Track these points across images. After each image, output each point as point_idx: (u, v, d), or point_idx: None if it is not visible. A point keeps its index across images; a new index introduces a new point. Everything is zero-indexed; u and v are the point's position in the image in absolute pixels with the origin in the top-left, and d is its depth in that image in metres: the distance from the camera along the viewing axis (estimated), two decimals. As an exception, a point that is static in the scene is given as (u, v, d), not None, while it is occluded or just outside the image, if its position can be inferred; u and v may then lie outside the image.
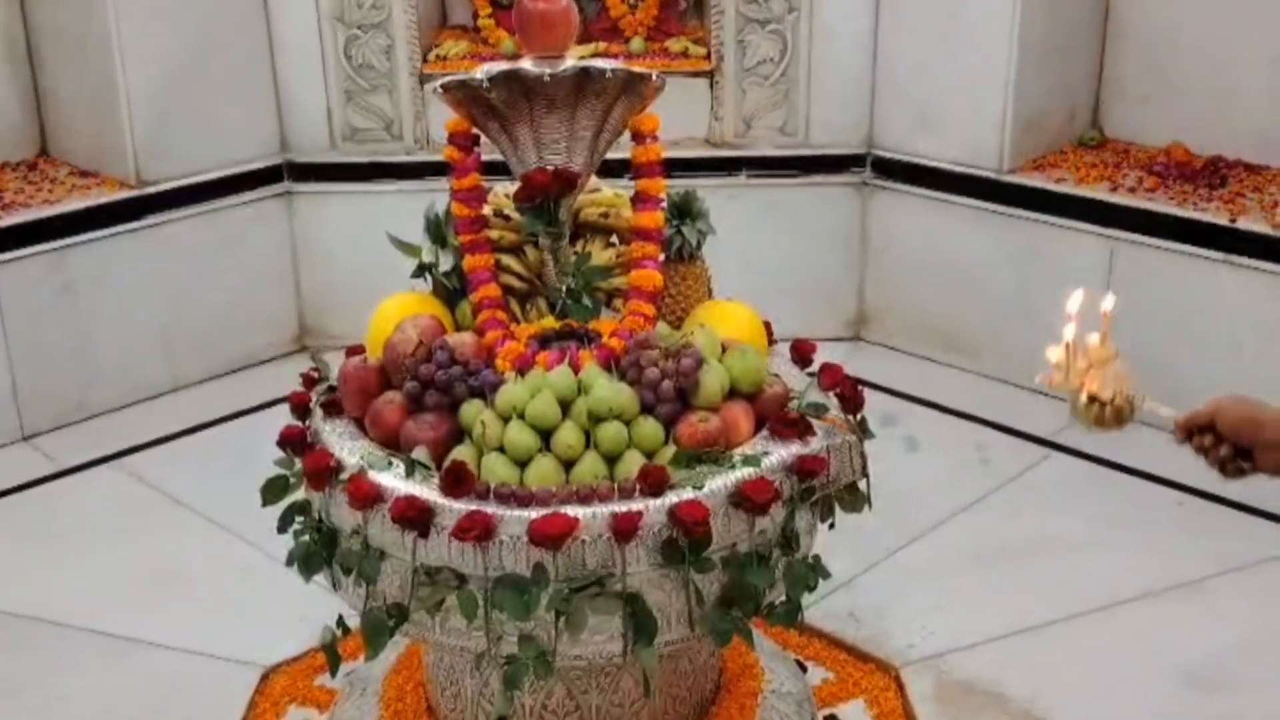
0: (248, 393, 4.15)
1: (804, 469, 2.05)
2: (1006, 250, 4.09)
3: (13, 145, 4.29)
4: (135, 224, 4.05)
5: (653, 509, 1.93)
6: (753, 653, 2.46)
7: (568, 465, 2.00)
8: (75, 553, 3.34)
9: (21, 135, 4.31)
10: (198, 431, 3.98)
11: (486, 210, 2.32)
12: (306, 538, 2.15)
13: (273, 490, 2.16)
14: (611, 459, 2.01)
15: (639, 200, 2.30)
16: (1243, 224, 3.63)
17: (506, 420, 2.00)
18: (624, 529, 1.90)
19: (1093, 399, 1.73)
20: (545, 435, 2.00)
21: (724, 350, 2.15)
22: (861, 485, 2.19)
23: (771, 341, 2.37)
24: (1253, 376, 3.67)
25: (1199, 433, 1.70)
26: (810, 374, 2.29)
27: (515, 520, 1.92)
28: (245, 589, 3.15)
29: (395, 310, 2.24)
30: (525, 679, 1.97)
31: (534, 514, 1.91)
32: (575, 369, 2.07)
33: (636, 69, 2.16)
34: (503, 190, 2.36)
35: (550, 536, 1.88)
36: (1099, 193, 3.89)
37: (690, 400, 2.06)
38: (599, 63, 2.14)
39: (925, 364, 4.34)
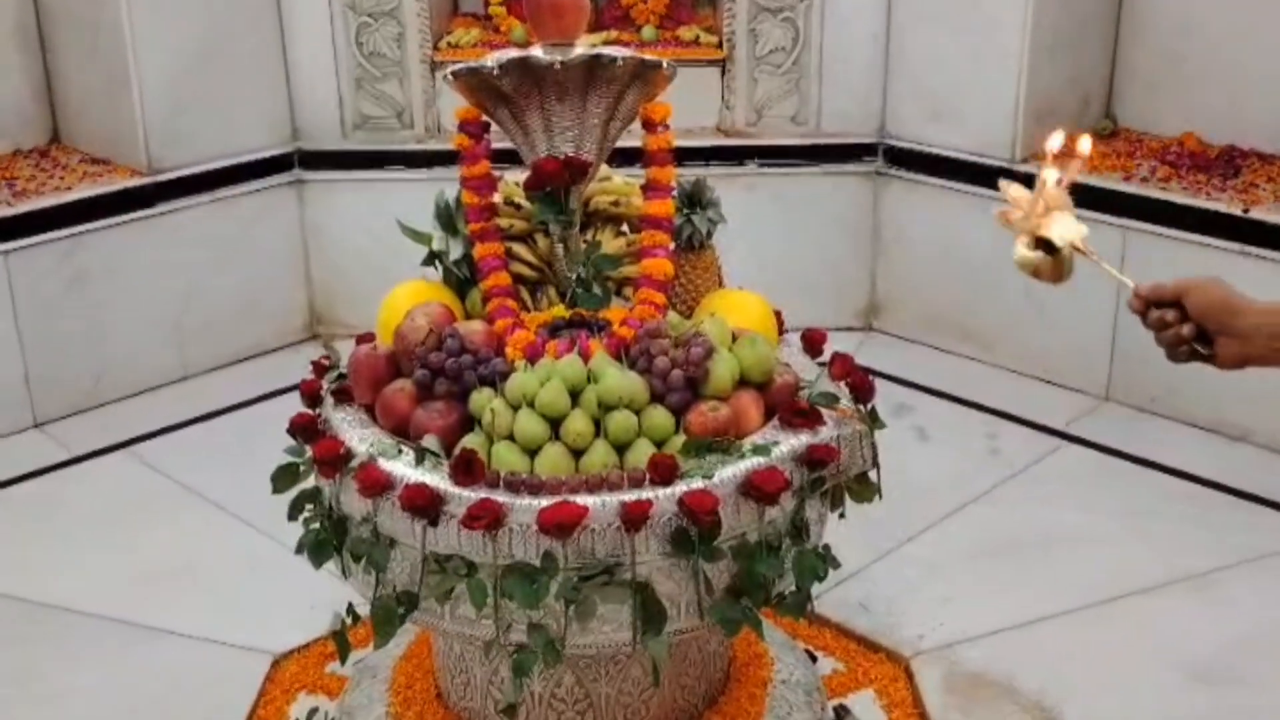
0: (258, 380, 4.15)
1: (814, 459, 2.05)
2: (1019, 240, 4.07)
3: (25, 133, 4.30)
4: (147, 212, 4.06)
5: (662, 498, 1.93)
6: (762, 642, 2.46)
7: (577, 454, 2.00)
8: (86, 540, 3.34)
9: (33, 123, 4.32)
10: (208, 419, 3.98)
11: (497, 198, 2.32)
12: (316, 525, 2.15)
13: (283, 478, 2.16)
14: (621, 448, 2.01)
15: (649, 189, 2.30)
16: (1256, 214, 3.61)
17: (516, 408, 2.00)
18: (633, 518, 1.90)
19: (1040, 242, 1.60)
20: (555, 424, 2.00)
21: (734, 339, 2.15)
22: (872, 475, 2.19)
23: (782, 331, 2.37)
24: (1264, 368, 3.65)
25: (1160, 306, 1.58)
26: (821, 363, 2.29)
27: (525, 509, 1.92)
28: (255, 577, 3.15)
29: (405, 298, 2.24)
30: (534, 667, 1.97)
31: (543, 502, 1.91)
32: (585, 357, 2.06)
33: (647, 57, 2.15)
34: (513, 178, 2.36)
35: (560, 525, 1.87)
36: (1112, 182, 3.87)
37: (700, 389, 2.06)
38: (610, 50, 2.13)
39: (936, 354, 4.32)
